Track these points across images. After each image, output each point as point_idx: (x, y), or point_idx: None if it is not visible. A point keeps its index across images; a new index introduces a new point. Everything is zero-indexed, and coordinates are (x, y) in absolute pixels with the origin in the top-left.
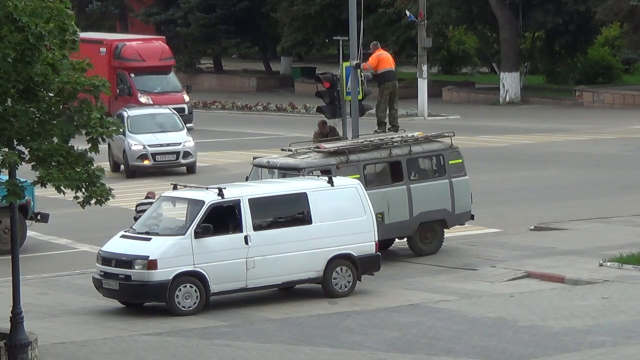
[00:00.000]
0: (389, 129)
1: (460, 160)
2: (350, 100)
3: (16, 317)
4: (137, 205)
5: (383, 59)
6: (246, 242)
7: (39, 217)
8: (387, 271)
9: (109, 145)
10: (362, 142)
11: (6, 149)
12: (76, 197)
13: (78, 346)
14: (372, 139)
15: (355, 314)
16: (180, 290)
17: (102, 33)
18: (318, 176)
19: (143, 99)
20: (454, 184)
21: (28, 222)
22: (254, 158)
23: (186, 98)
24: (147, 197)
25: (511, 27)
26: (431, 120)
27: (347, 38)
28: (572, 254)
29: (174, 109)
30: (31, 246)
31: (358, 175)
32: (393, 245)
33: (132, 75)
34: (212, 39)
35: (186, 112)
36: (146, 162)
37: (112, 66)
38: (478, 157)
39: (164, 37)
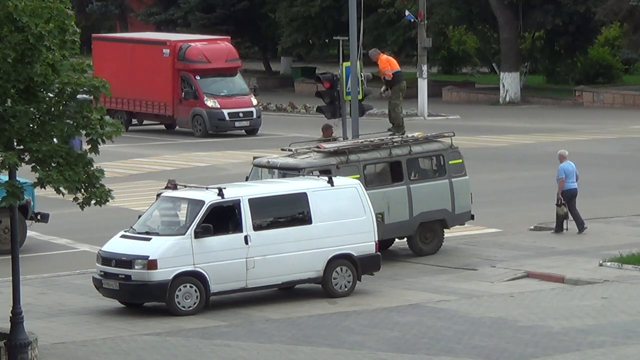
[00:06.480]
0: (403, 132)
1: (460, 160)
2: (350, 100)
3: (16, 317)
4: (157, 195)
5: (392, 60)
6: (246, 242)
7: (39, 217)
8: (387, 271)
9: None
10: (362, 142)
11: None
12: (76, 198)
13: (78, 346)
14: (372, 139)
15: (355, 314)
16: (180, 290)
17: (166, 33)
18: (318, 176)
19: (210, 103)
20: (454, 184)
21: (28, 222)
22: (254, 158)
23: (254, 101)
24: (166, 186)
25: (511, 27)
26: (431, 120)
27: (347, 38)
28: (572, 254)
29: (242, 112)
30: (31, 246)
31: (358, 175)
32: (393, 245)
33: (198, 77)
34: None
35: (254, 115)
36: None
37: (175, 68)
38: (478, 157)
39: (229, 37)
